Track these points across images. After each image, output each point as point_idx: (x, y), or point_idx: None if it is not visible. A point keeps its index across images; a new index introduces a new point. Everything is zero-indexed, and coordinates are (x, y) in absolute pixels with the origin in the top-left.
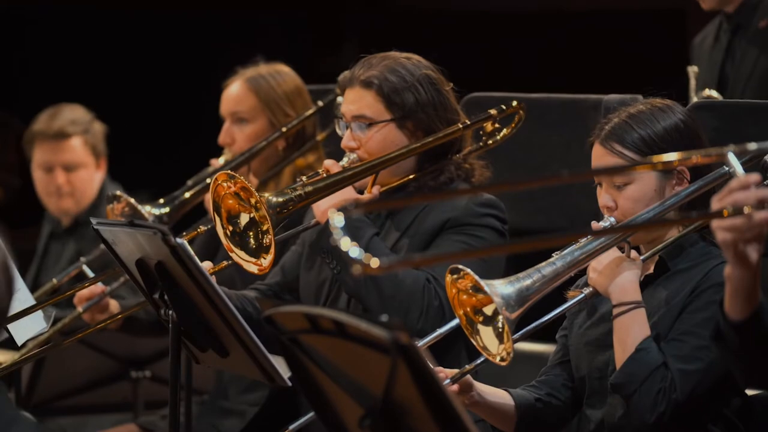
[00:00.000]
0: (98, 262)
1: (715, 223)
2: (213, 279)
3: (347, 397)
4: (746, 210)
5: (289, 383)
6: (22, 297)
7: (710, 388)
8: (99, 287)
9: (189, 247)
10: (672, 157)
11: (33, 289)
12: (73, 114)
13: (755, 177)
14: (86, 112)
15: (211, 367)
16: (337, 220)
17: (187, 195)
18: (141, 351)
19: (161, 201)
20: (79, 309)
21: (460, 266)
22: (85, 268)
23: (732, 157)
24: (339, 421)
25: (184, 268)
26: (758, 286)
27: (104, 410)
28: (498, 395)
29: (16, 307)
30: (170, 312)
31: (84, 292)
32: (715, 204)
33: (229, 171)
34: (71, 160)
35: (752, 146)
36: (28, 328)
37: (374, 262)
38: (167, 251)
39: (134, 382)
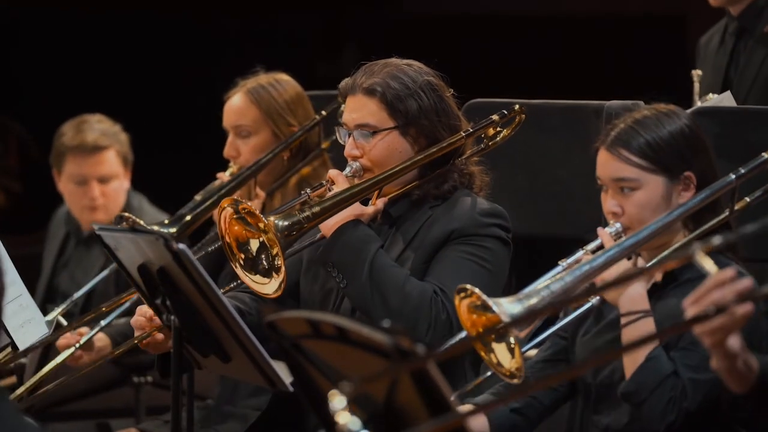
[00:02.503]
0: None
1: (699, 329)
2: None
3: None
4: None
5: (291, 388)
6: (24, 302)
7: (720, 396)
8: (74, 338)
9: (191, 253)
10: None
11: (48, 288)
12: (102, 125)
13: (730, 273)
14: (111, 121)
15: (213, 372)
16: (338, 402)
17: (189, 217)
18: (143, 356)
19: (166, 221)
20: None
21: (468, 286)
22: (60, 318)
23: (700, 256)
24: None
25: (186, 273)
26: (748, 356)
27: (106, 415)
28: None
29: (16, 311)
30: (172, 317)
31: (61, 342)
32: (692, 308)
33: (234, 197)
34: (106, 172)
35: (717, 240)
36: (31, 333)
37: None
38: (169, 257)
39: (136, 387)
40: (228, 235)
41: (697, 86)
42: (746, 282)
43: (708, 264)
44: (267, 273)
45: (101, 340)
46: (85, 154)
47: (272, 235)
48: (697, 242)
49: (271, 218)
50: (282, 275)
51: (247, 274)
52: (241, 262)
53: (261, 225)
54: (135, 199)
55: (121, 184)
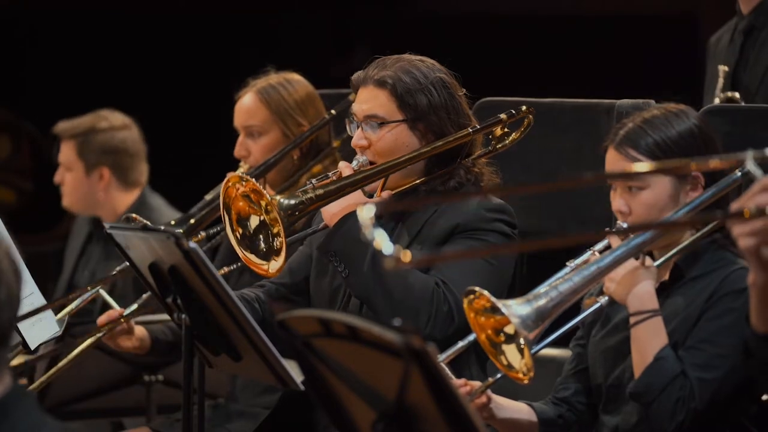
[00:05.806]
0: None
1: (737, 230)
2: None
3: (360, 401)
4: None
5: (302, 387)
6: (35, 301)
7: (729, 395)
8: (116, 312)
9: (202, 252)
10: (689, 162)
11: (69, 286)
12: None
13: None
14: (127, 118)
15: (224, 371)
16: (367, 211)
17: (193, 221)
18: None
19: (172, 222)
20: (98, 334)
21: (476, 288)
22: (102, 292)
23: (751, 162)
24: (352, 425)
25: (197, 272)
26: None
27: (117, 414)
28: (516, 409)
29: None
30: (183, 316)
31: (102, 318)
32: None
33: (241, 173)
34: None
35: None
36: (42, 332)
37: (406, 256)
38: (180, 255)
39: (147, 385)
40: (233, 205)
41: (721, 81)
42: None
43: (756, 170)
44: (266, 255)
45: (142, 333)
46: None
47: (275, 214)
48: (750, 150)
49: (276, 197)
50: (282, 256)
51: (243, 250)
52: (238, 235)
53: (264, 203)
54: (153, 199)
55: None
